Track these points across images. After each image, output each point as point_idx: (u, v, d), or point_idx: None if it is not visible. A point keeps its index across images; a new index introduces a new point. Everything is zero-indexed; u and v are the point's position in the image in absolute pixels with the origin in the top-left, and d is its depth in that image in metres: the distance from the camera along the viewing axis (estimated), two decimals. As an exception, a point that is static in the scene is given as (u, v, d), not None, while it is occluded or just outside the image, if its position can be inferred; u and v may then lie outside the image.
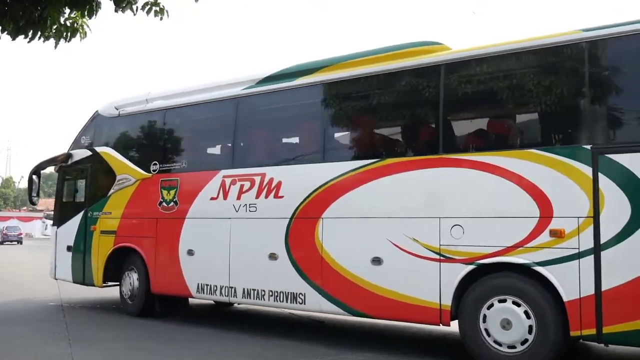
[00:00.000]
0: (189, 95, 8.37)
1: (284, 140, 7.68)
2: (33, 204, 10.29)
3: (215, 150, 8.25)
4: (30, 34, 6.00)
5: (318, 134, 6.93)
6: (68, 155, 9.80)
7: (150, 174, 8.53)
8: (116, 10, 5.81)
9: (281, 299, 6.94)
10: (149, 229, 8.46)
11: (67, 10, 5.99)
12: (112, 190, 9.03)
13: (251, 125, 7.80)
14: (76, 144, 9.89)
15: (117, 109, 9.25)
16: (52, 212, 10.81)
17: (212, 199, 7.72)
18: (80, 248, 9.42)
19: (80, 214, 9.50)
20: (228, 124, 7.93)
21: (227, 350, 6.46)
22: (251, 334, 7.39)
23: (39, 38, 6.08)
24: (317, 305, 6.65)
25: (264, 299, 7.11)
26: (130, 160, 8.87)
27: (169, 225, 8.22)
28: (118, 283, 9.28)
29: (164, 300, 8.55)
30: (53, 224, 10.37)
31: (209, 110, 8.14)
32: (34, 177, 10.16)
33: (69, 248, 9.62)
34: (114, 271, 9.07)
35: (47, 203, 71.87)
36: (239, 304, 8.69)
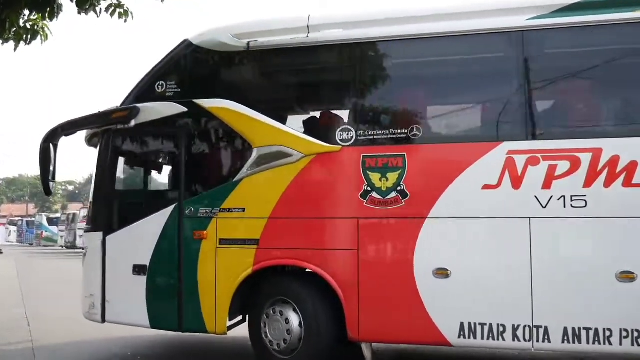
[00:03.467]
0: (407, 23, 5.23)
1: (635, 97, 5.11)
2: (48, 192, 5.90)
3: (481, 110, 5.29)
4: None
5: None
6: (131, 112, 5.72)
7: (339, 147, 5.22)
8: (79, 12, 5.64)
9: (651, 343, 4.51)
10: (343, 235, 5.17)
11: (27, 13, 5.81)
12: (243, 172, 5.41)
13: (558, 75, 5.07)
14: (144, 94, 5.86)
15: (239, 39, 5.59)
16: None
17: (485, 187, 4.85)
18: (171, 269, 5.56)
19: (165, 212, 5.58)
20: (505, 70, 5.10)
21: None
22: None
23: None
24: None
25: (610, 343, 4.59)
26: (287, 124, 5.39)
27: (388, 229, 5.08)
28: (238, 320, 5.75)
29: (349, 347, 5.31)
30: (90, 229, 6.09)
31: (461, 47, 5.15)
32: (51, 147, 5.82)
33: (139, 269, 5.63)
34: (237, 305, 5.53)
35: (10, 209, 61.61)
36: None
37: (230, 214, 5.43)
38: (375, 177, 5.11)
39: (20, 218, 50.52)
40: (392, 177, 5.07)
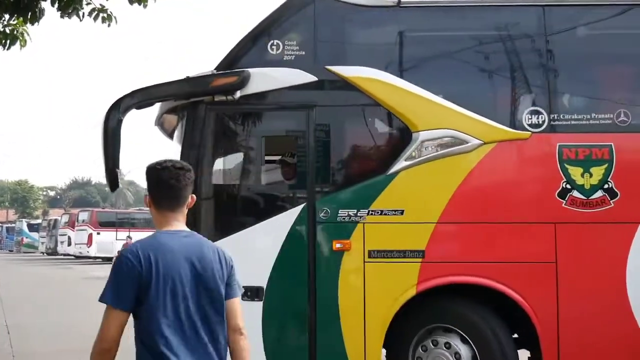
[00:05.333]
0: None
1: None
2: (115, 185, 4.18)
3: None
4: None
5: None
6: (240, 78, 4.17)
7: (527, 133, 4.16)
8: (62, 16, 5.65)
9: None
10: (535, 245, 4.11)
11: (7, 17, 5.76)
12: (400, 164, 4.13)
13: None
14: (250, 57, 4.35)
15: None
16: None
17: None
18: (299, 291, 4.14)
19: (290, 215, 4.14)
20: None
21: None
22: None
23: None
24: None
25: None
26: (457, 103, 4.21)
27: (593, 237, 4.10)
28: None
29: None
30: None
31: None
32: (118, 123, 4.14)
33: (251, 293, 4.07)
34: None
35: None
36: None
37: (382, 217, 4.14)
38: (575, 172, 4.11)
39: (-1, 224, 48.95)
40: (597, 172, 4.10)
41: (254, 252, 4.20)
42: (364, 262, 4.13)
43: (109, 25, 5.90)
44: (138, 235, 24.10)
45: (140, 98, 4.28)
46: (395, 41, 4.42)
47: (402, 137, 4.21)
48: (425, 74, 4.37)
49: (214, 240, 4.14)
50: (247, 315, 4.06)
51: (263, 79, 4.25)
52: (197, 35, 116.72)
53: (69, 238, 28.92)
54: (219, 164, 4.46)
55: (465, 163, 4.15)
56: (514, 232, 4.15)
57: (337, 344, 4.10)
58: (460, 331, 4.13)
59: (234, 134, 4.48)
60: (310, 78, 4.25)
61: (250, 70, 4.24)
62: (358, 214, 4.15)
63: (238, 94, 4.24)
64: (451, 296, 4.24)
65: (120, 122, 4.19)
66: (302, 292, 4.15)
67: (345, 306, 4.12)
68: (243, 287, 4.11)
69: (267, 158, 4.45)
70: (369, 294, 4.12)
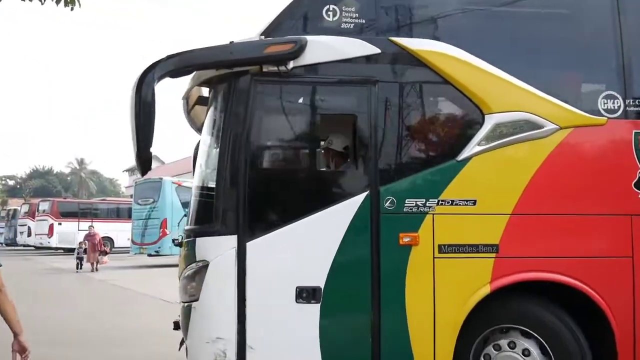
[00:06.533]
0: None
1: None
2: (147, 167, 3.46)
3: None
4: None
5: None
6: (297, 47, 3.58)
7: (604, 119, 3.87)
8: None
9: None
10: (610, 239, 3.82)
11: None
12: (473, 148, 3.73)
13: None
14: (301, 23, 3.77)
15: None
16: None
17: None
18: (361, 291, 3.63)
19: (350, 204, 3.62)
20: None
21: None
22: None
23: None
24: None
25: None
26: (537, 86, 3.83)
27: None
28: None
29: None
30: (209, 231, 3.69)
31: None
32: (152, 94, 3.44)
33: (307, 294, 3.55)
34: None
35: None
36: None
37: (453, 207, 3.72)
38: (654, 160, 3.88)
39: (-44, 214, 45.47)
40: (673, 161, 3.89)
41: (309, 247, 3.65)
42: (434, 257, 3.69)
43: (72, 9, 5.83)
44: (100, 226, 23.09)
45: (178, 64, 3.60)
46: (469, 13, 4.00)
47: (474, 119, 3.80)
48: (499, 52, 3.97)
49: (264, 233, 3.66)
50: (302, 319, 3.60)
51: (321, 48, 3.70)
52: (197, 35, 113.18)
53: (29, 228, 28.31)
54: (267, 145, 3.86)
55: (541, 149, 3.81)
56: (589, 225, 3.84)
57: (404, 349, 3.65)
58: (524, 328, 3.80)
59: (285, 111, 3.86)
60: (372, 50, 3.75)
61: (308, 37, 3.68)
62: (427, 204, 3.70)
63: (291, 64, 3.67)
64: (510, 294, 3.90)
65: (154, 92, 3.50)
66: (364, 292, 3.65)
67: (412, 307, 3.66)
68: (297, 287, 3.64)
69: (323, 140, 3.91)
70: (439, 292, 3.68)
